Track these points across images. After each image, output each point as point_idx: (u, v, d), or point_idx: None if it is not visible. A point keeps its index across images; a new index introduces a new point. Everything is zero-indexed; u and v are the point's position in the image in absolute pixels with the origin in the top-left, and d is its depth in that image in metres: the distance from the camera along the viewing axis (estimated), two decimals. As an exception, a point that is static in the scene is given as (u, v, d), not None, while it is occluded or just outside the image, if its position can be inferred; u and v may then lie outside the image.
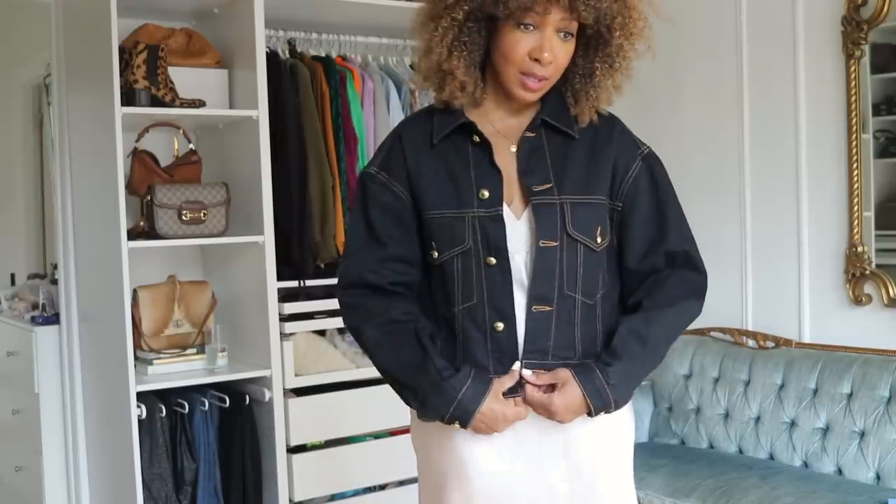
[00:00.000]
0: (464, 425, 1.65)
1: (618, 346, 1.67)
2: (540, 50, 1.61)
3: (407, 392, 1.71)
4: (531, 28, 1.61)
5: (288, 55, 3.45)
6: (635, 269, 1.74)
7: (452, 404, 1.64)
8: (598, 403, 1.64)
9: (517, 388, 1.68)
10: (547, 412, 1.66)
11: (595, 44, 1.68)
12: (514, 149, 1.71)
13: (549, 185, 1.67)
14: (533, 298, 1.65)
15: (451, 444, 1.71)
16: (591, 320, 1.70)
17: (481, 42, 1.66)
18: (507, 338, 1.66)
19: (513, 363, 1.67)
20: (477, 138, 1.71)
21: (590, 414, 1.65)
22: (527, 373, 1.67)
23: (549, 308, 1.66)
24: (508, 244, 1.66)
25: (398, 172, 1.73)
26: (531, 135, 1.71)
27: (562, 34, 1.63)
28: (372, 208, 1.74)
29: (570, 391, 1.64)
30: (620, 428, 1.78)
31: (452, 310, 1.70)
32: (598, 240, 1.70)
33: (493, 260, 1.65)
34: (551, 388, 1.66)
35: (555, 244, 1.65)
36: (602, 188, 1.72)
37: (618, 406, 1.68)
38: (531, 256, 1.66)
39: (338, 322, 3.39)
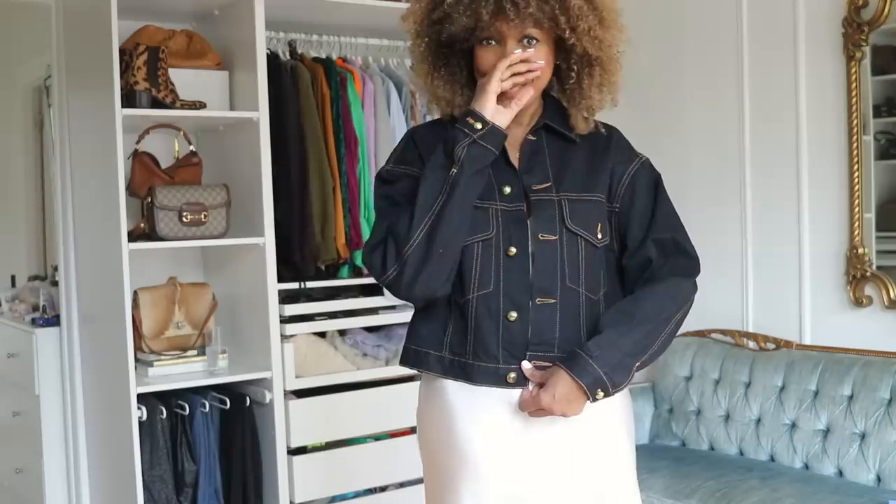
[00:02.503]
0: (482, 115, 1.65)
1: (602, 323, 1.70)
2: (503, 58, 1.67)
3: (443, 173, 1.66)
4: (493, 43, 1.69)
5: (288, 57, 3.45)
6: (632, 262, 1.78)
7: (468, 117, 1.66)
8: (589, 380, 1.63)
9: (524, 382, 1.72)
10: (543, 411, 1.67)
11: (568, 49, 1.72)
12: (517, 154, 1.78)
13: (547, 184, 1.74)
14: (536, 290, 1.70)
15: (455, 441, 1.73)
16: (595, 315, 1.74)
17: (461, 63, 1.77)
18: (519, 328, 1.70)
19: (523, 354, 1.70)
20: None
21: (588, 397, 1.65)
22: (526, 365, 1.70)
23: (553, 300, 1.70)
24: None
25: (415, 161, 1.77)
26: (532, 138, 1.79)
27: (525, 40, 1.69)
28: (394, 195, 1.76)
29: (557, 380, 1.65)
30: (621, 421, 1.80)
31: (467, 296, 1.72)
32: (599, 235, 1.75)
33: (514, 250, 1.70)
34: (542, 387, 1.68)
35: (554, 238, 1.71)
36: (600, 189, 1.78)
37: (613, 382, 1.65)
38: (534, 250, 1.71)
39: (338, 324, 3.40)
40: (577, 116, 1.77)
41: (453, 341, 1.74)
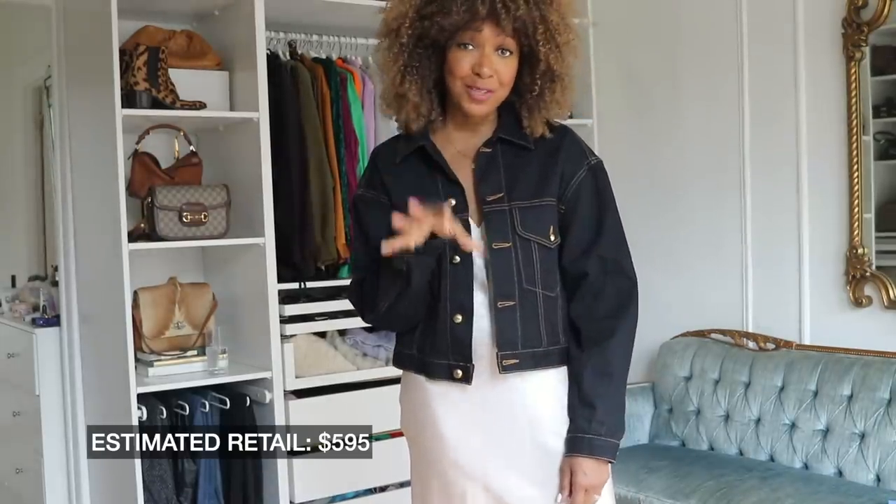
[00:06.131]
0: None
1: (589, 394, 1.81)
2: (480, 65, 1.78)
3: (398, 280, 1.78)
4: (470, 48, 1.78)
5: (288, 57, 3.45)
6: (570, 268, 1.86)
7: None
8: (609, 453, 1.80)
9: (468, 378, 1.84)
10: (591, 495, 1.80)
11: (534, 61, 1.82)
12: (472, 165, 1.87)
13: (500, 195, 1.83)
14: (498, 295, 1.81)
15: (424, 396, 1.88)
16: (553, 311, 1.85)
17: (432, 67, 1.83)
18: (464, 330, 1.82)
19: (468, 355, 1.81)
20: (433, 158, 1.86)
21: (611, 462, 1.81)
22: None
23: (513, 303, 1.81)
24: None
25: (378, 185, 1.91)
26: (487, 150, 1.87)
27: (500, 51, 1.79)
28: (365, 224, 1.91)
29: (583, 468, 1.79)
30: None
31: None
32: (552, 237, 1.85)
33: (457, 258, 1.81)
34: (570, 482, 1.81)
35: (508, 245, 1.82)
36: (552, 191, 1.86)
37: (618, 437, 1.82)
38: (490, 258, 1.81)
39: (338, 324, 3.40)
40: (538, 122, 1.85)
41: (419, 341, 1.88)
